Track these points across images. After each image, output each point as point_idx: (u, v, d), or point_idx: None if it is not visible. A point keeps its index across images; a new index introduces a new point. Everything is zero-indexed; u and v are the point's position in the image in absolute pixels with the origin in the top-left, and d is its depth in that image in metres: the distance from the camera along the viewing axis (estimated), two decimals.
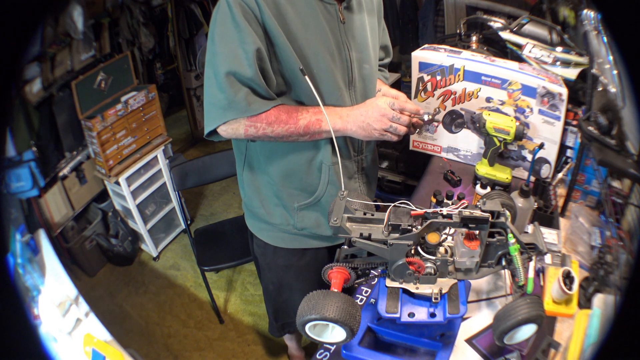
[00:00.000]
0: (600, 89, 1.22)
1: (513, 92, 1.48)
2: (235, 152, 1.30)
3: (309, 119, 1.08)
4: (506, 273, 1.16)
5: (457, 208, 0.86)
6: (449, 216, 0.86)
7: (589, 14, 1.29)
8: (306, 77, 1.05)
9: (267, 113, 1.05)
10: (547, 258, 1.21)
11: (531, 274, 0.88)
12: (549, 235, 1.28)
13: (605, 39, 1.22)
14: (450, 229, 0.91)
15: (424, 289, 0.91)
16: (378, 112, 1.08)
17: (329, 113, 1.08)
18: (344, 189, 1.20)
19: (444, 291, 0.90)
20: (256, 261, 1.53)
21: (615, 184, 1.24)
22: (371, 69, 1.23)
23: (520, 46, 1.65)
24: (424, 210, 0.87)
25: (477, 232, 0.89)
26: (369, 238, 0.87)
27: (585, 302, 1.10)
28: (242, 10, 0.99)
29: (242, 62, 1.00)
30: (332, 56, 1.11)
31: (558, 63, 1.56)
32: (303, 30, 1.05)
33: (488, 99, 1.54)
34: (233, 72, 1.01)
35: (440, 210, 0.86)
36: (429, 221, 0.86)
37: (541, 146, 1.41)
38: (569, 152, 1.51)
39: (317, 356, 1.06)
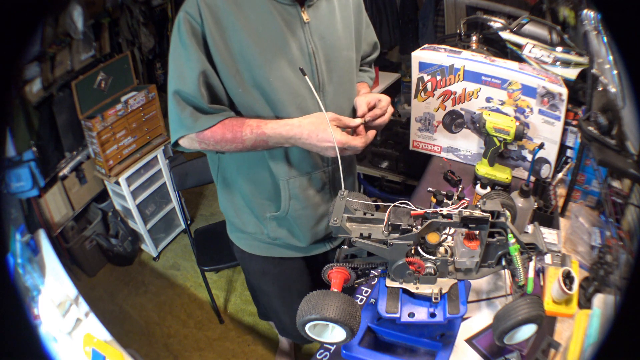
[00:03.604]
0: (600, 89, 1.22)
1: (513, 92, 1.48)
2: (208, 160, 1.29)
3: (254, 140, 1.04)
4: (506, 273, 1.16)
5: (457, 208, 0.86)
6: (449, 216, 0.86)
7: (589, 14, 1.29)
8: (306, 77, 1.04)
9: (213, 131, 1.04)
10: (547, 258, 1.21)
11: (531, 274, 0.88)
12: (549, 235, 1.28)
13: (605, 39, 1.22)
14: (450, 229, 0.91)
15: (424, 289, 0.91)
16: (327, 143, 1.01)
17: (274, 134, 1.03)
18: (309, 203, 1.20)
19: (444, 291, 0.90)
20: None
21: (615, 184, 1.24)
22: (344, 70, 1.17)
23: (520, 46, 1.65)
24: (424, 210, 0.87)
25: (477, 232, 0.89)
26: (369, 238, 0.87)
27: (585, 302, 1.10)
28: (191, 27, 0.99)
29: (186, 81, 1.01)
30: (291, 62, 1.06)
31: (558, 63, 1.55)
32: (256, 38, 1.01)
33: (488, 99, 1.54)
34: (178, 91, 1.02)
35: (440, 210, 0.86)
36: (429, 221, 0.86)
37: (541, 146, 1.41)
38: (569, 152, 1.50)
39: (317, 356, 1.06)
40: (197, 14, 0.99)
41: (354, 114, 1.21)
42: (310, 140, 1.02)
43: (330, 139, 1.00)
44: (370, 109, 1.15)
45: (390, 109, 1.17)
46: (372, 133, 1.10)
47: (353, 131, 1.09)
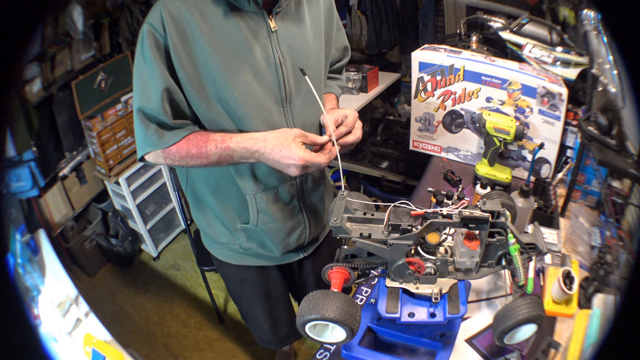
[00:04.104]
0: (600, 89, 1.22)
1: (513, 92, 1.48)
2: (177, 174, 1.28)
3: (219, 155, 1.02)
4: (506, 273, 1.16)
5: (457, 208, 0.86)
6: (449, 216, 0.86)
7: (589, 14, 1.29)
8: (306, 77, 1.03)
9: (178, 147, 1.02)
10: (547, 258, 1.21)
11: (531, 274, 0.88)
12: (549, 235, 1.28)
13: (605, 39, 1.22)
14: (450, 229, 0.91)
15: (424, 289, 0.91)
16: (290, 160, 0.97)
17: (239, 148, 1.00)
18: (278, 216, 1.19)
19: (444, 291, 0.90)
20: None
21: (615, 184, 1.24)
22: (312, 80, 1.09)
23: (520, 46, 1.65)
24: (424, 210, 0.87)
25: (477, 232, 0.89)
26: (369, 238, 0.87)
27: (585, 302, 1.10)
28: (155, 41, 0.96)
29: (150, 97, 0.99)
30: (256, 74, 1.03)
31: (558, 63, 1.55)
32: (220, 51, 0.98)
33: (488, 99, 1.54)
34: (142, 107, 1.00)
35: (440, 210, 0.86)
36: (429, 221, 0.86)
37: (541, 146, 1.41)
38: (569, 152, 1.50)
39: (317, 356, 1.06)
40: (160, 26, 0.95)
41: (321, 128, 1.18)
42: (273, 155, 0.98)
43: (293, 155, 0.96)
44: (338, 126, 1.09)
45: (359, 124, 1.12)
46: (335, 148, 1.05)
47: (320, 147, 1.05)
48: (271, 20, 1.03)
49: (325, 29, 1.17)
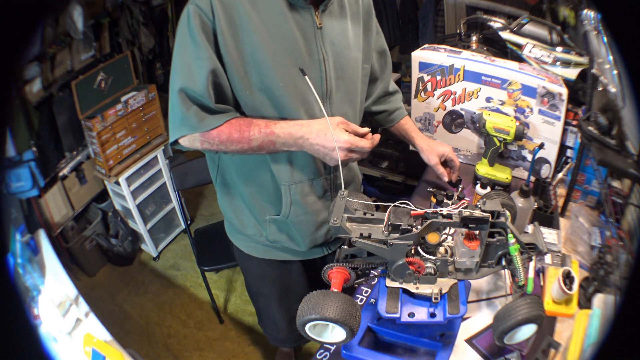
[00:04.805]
0: (600, 89, 1.22)
1: (513, 92, 1.48)
2: (207, 161, 1.27)
3: (262, 140, 1.02)
4: (506, 273, 1.16)
5: (457, 208, 0.86)
6: (449, 216, 0.86)
7: (589, 14, 1.29)
8: (306, 77, 1.04)
9: (219, 131, 1.01)
10: (547, 258, 1.21)
11: (531, 274, 0.88)
12: (549, 235, 1.28)
13: (605, 39, 1.22)
14: (450, 229, 0.91)
15: (424, 289, 0.91)
16: (338, 144, 0.99)
17: (284, 134, 1.01)
18: (310, 209, 1.19)
19: (444, 291, 0.90)
20: None
21: (615, 184, 1.24)
22: (351, 80, 1.15)
23: (520, 46, 1.65)
24: (424, 210, 0.87)
25: (477, 232, 0.89)
26: (369, 238, 0.87)
27: (585, 302, 1.10)
28: (201, 22, 0.95)
29: (194, 78, 0.97)
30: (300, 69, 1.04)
31: (558, 63, 1.56)
32: (268, 41, 0.99)
33: (488, 99, 1.54)
34: (185, 88, 0.98)
35: (440, 210, 0.86)
36: (429, 221, 0.86)
37: (541, 146, 1.41)
38: (569, 152, 1.51)
39: (317, 356, 1.06)
40: (209, 9, 0.95)
41: (358, 123, 1.21)
42: (317, 139, 1.00)
43: (338, 138, 0.98)
44: (442, 163, 1.42)
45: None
46: (377, 136, 1.07)
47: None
48: (317, 17, 1.04)
49: (364, 31, 1.19)
